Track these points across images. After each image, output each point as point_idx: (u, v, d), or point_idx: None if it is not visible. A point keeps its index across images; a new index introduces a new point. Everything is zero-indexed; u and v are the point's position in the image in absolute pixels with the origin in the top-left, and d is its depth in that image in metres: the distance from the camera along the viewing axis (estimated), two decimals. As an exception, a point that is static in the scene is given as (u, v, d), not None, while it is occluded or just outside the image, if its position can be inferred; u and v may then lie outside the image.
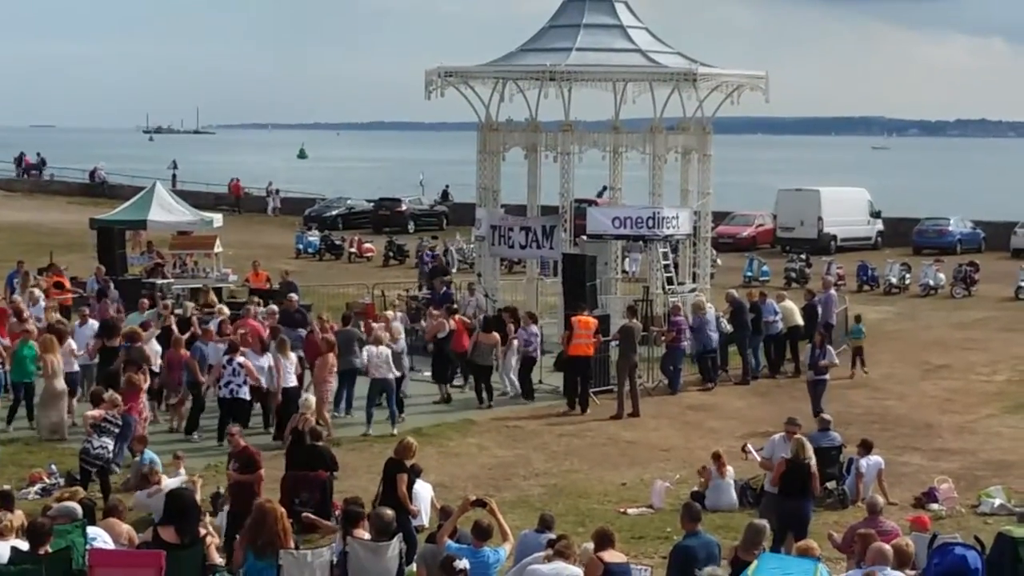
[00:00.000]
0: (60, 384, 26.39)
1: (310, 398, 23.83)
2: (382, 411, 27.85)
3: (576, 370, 30.10)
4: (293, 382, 26.56)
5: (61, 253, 47.25)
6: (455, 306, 33.27)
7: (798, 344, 34.24)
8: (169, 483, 20.28)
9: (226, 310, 31.76)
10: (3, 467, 24.01)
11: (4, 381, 28.21)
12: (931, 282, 49.99)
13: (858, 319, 35.66)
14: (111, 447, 22.32)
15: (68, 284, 38.07)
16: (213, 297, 35.28)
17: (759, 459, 21.62)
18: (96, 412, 22.46)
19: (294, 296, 33.43)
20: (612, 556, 15.29)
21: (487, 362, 30.57)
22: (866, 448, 23.20)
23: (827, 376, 28.95)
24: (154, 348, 27.96)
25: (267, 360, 26.62)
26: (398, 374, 28.08)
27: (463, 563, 14.75)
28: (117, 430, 22.60)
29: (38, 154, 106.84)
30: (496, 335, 30.74)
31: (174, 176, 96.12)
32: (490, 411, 29.67)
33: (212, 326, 29.53)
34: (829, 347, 29.43)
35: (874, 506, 18.38)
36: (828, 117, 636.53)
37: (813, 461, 19.83)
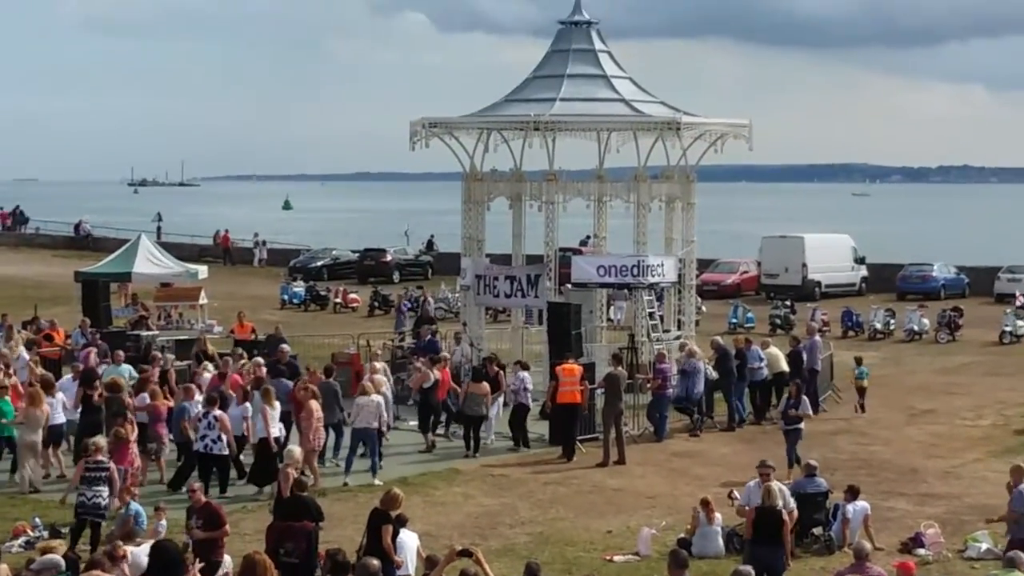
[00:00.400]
0: (34, 437, 26.32)
1: (295, 449, 23.69)
2: (362, 461, 27.81)
3: (563, 418, 30.12)
4: (277, 432, 26.42)
5: (46, 306, 47.23)
6: (441, 355, 33.22)
7: (784, 390, 34.29)
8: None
9: (210, 367, 31.73)
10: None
11: None
12: (915, 327, 50.11)
13: (859, 361, 35.95)
14: (105, 494, 22.25)
15: (60, 338, 37.95)
16: (211, 346, 35.21)
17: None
18: (79, 465, 22.50)
19: (285, 347, 33.42)
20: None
21: (478, 412, 30.51)
22: (853, 494, 23.22)
23: (801, 426, 28.57)
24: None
25: (244, 410, 26.60)
26: (382, 426, 28.04)
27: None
28: (106, 474, 22.49)
29: (17, 207, 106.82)
30: (487, 385, 30.68)
31: (159, 228, 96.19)
32: (475, 460, 29.65)
33: (204, 380, 29.60)
34: (804, 398, 29.17)
35: (861, 551, 18.38)
36: (811, 164, 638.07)
37: (788, 507, 19.90)
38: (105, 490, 22.26)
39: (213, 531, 19.25)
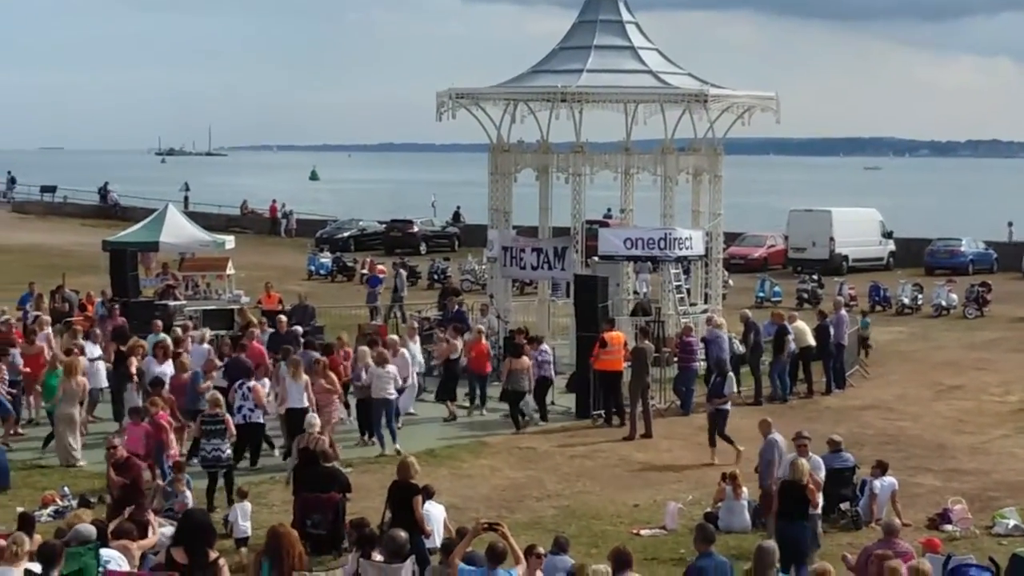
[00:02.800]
0: (70, 410, 26.34)
1: (314, 418, 23.69)
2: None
3: (608, 385, 30.20)
4: (302, 403, 26.32)
5: (74, 275, 47.28)
6: (477, 328, 33.15)
7: (810, 365, 34.24)
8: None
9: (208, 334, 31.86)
10: (16, 490, 24.05)
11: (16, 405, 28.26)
12: (943, 302, 49.92)
13: (864, 313, 35.94)
14: (224, 446, 23.26)
15: (92, 309, 38.06)
16: (251, 316, 35.20)
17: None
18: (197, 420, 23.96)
19: (283, 318, 33.46)
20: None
21: (523, 387, 30.43)
22: (881, 469, 23.16)
23: (728, 407, 27.93)
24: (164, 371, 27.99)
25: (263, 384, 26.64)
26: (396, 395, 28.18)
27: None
28: (223, 427, 23.38)
29: (9, 172, 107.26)
30: (527, 360, 30.53)
31: (186, 198, 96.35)
32: (502, 433, 29.61)
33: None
34: (730, 375, 28.78)
35: (891, 528, 18.26)
36: (838, 137, 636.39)
37: (814, 478, 19.94)
38: (224, 443, 23.35)
39: (136, 488, 20.02)
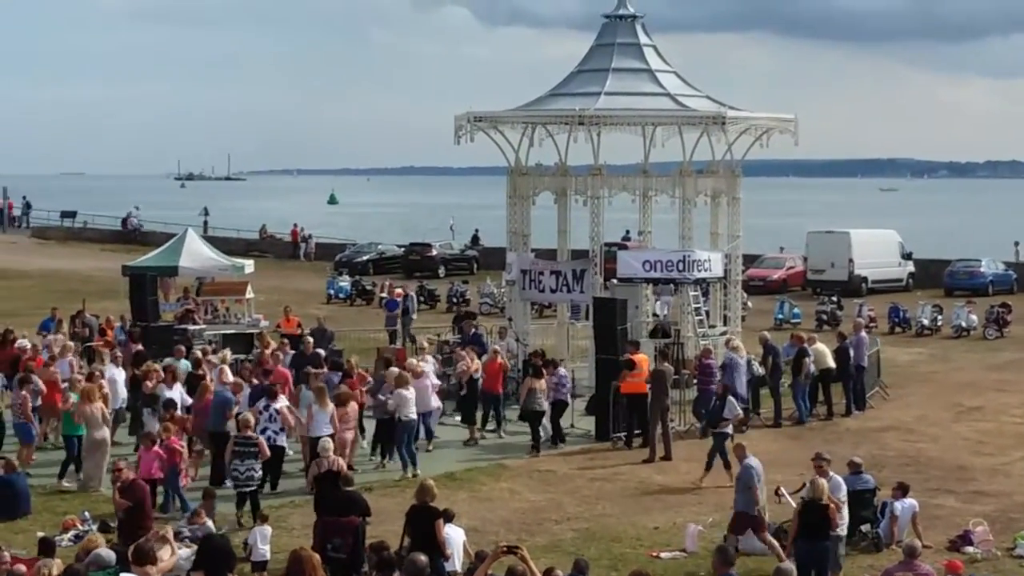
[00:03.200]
0: (101, 434, 26.34)
1: (327, 442, 23.71)
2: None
3: (634, 407, 30.21)
4: (326, 431, 26.31)
5: (94, 300, 47.43)
6: (493, 348, 33.20)
7: (830, 387, 34.20)
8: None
9: (228, 356, 31.89)
10: (37, 514, 24.11)
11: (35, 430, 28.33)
12: (963, 323, 49.82)
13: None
14: (257, 467, 23.87)
15: (111, 334, 38.16)
16: (269, 339, 35.22)
17: (794, 503, 21.55)
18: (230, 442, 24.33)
19: (310, 339, 33.59)
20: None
21: (540, 408, 30.43)
22: (902, 491, 23.11)
23: (729, 429, 27.74)
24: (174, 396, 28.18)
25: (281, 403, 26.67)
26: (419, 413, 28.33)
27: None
28: (255, 449, 23.83)
29: (24, 198, 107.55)
30: (544, 382, 30.52)
31: (205, 223, 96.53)
32: (521, 456, 29.60)
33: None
34: (731, 399, 28.49)
35: (912, 550, 18.21)
36: (857, 159, 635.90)
37: (834, 499, 19.91)
38: (256, 463, 23.85)
39: (141, 510, 20.14)
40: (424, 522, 18.74)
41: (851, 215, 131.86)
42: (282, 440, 26.03)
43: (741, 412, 29.19)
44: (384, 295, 48.14)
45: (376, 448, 28.90)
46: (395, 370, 29.09)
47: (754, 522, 21.78)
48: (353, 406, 27.19)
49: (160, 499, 24.18)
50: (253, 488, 23.95)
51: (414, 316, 47.01)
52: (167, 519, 23.13)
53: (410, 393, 27.88)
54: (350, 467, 24.47)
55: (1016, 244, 76.18)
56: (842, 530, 20.47)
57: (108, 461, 26.18)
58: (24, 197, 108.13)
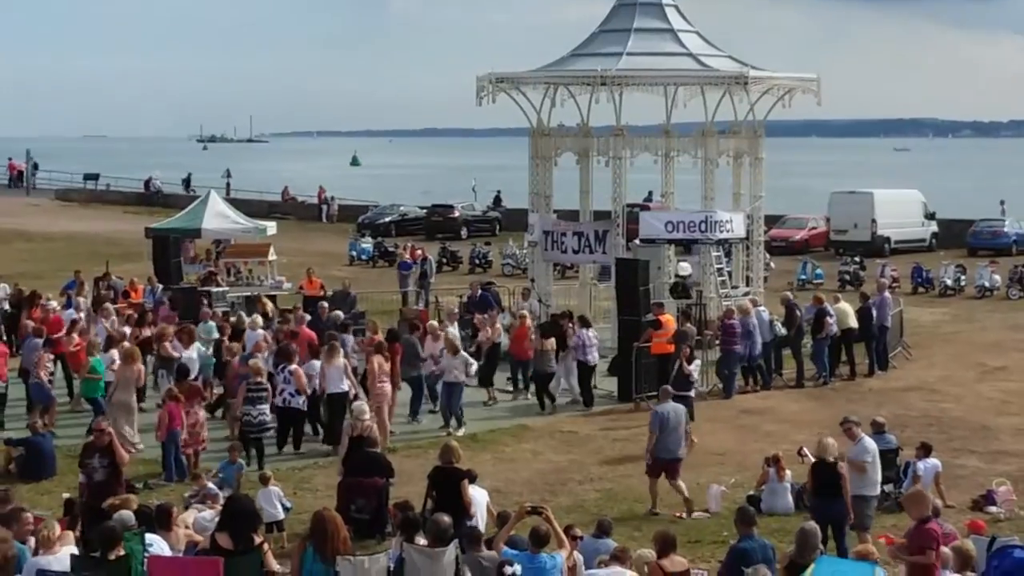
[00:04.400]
0: (126, 396, 26.42)
1: (363, 405, 23.78)
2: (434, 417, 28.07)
3: (660, 367, 30.01)
4: (342, 387, 26.48)
5: (117, 262, 47.56)
6: (520, 312, 33.29)
7: (852, 347, 34.16)
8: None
9: (259, 320, 31.92)
10: (63, 475, 24.19)
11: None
12: (986, 284, 49.66)
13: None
14: (267, 410, 25.14)
15: (139, 296, 38.26)
16: (269, 305, 35.26)
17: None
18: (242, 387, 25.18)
19: (324, 304, 33.63)
20: (673, 562, 15.32)
21: (549, 369, 30.52)
22: (925, 451, 23.12)
23: (691, 393, 27.70)
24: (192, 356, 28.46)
25: (310, 367, 26.72)
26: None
27: (515, 568, 14.78)
28: (266, 394, 24.98)
29: (29, 157, 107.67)
30: (553, 340, 30.67)
31: (228, 184, 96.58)
32: (544, 416, 29.68)
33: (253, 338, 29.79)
34: (697, 361, 28.66)
35: (935, 509, 18.18)
36: (880, 119, 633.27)
37: (856, 462, 19.90)
38: (266, 407, 25.12)
39: (117, 470, 19.94)
40: (449, 483, 18.77)
41: (871, 175, 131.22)
42: (297, 402, 26.10)
43: (695, 378, 28.63)
44: (420, 254, 48.15)
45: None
46: (445, 333, 29.93)
47: (657, 468, 22.75)
48: (381, 360, 27.23)
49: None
50: (261, 435, 25.04)
51: (432, 280, 46.97)
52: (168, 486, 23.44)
53: (460, 358, 28.48)
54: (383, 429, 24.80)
55: (1002, 203, 76.07)
56: (872, 490, 20.36)
57: (134, 423, 26.36)
58: (10, 158, 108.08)
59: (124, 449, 20.87)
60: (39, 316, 32.65)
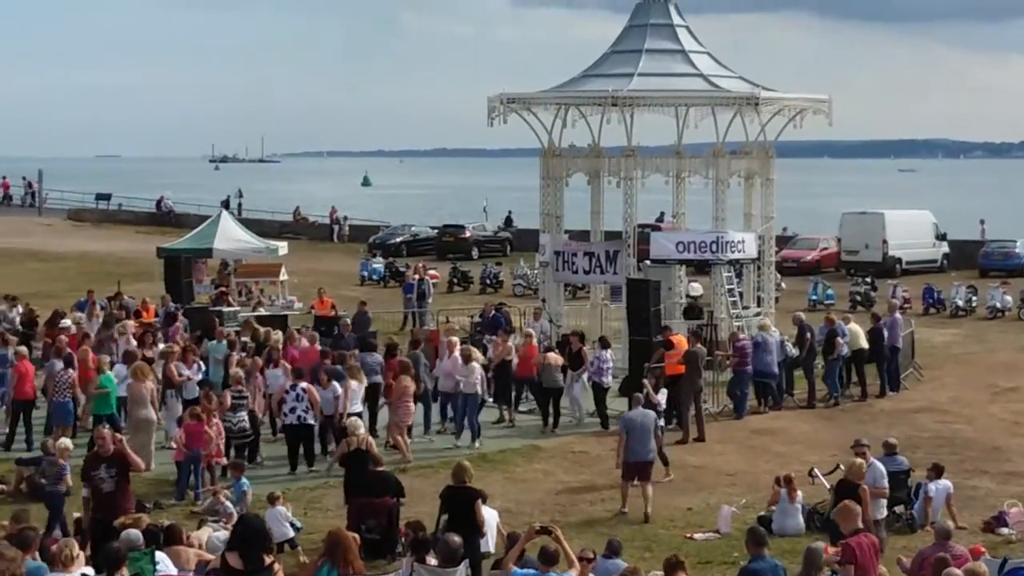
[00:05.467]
0: (146, 413, 26.46)
1: (357, 420, 23.77)
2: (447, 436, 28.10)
3: (673, 388, 29.53)
4: (359, 408, 26.59)
5: (129, 282, 47.62)
6: (526, 331, 33.34)
7: (863, 367, 34.12)
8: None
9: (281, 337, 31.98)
10: (74, 496, 24.12)
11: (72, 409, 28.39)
12: (998, 304, 49.61)
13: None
14: (246, 417, 26.10)
15: (150, 315, 38.36)
16: (261, 330, 35.14)
17: (827, 485, 21.53)
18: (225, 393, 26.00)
19: (348, 322, 33.70)
20: (684, 584, 15.31)
21: (555, 384, 30.54)
22: (937, 472, 23.06)
23: (661, 422, 26.23)
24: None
25: (334, 390, 26.82)
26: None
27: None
28: (245, 401, 25.91)
29: (24, 178, 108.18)
30: (559, 356, 30.74)
31: (240, 204, 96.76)
32: (555, 437, 29.65)
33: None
34: (664, 391, 27.89)
35: (945, 532, 18.14)
36: (891, 139, 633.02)
37: (877, 483, 19.89)
38: (245, 414, 26.09)
39: (125, 479, 19.56)
40: (462, 502, 18.76)
41: (882, 196, 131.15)
42: (310, 419, 26.23)
43: (664, 405, 27.61)
44: (416, 276, 48.17)
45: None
46: (459, 343, 30.17)
47: (628, 470, 23.91)
48: (409, 381, 27.41)
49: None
50: (247, 440, 26.24)
51: (430, 300, 46.91)
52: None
53: (480, 370, 28.72)
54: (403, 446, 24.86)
55: (982, 222, 76.15)
56: (881, 513, 20.39)
57: (155, 441, 26.44)
58: (24, 177, 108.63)
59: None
60: (54, 334, 32.71)
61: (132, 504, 19.83)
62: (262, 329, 34.09)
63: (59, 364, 28.73)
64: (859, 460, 19.90)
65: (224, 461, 24.99)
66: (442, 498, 19.16)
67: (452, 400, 29.37)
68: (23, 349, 29.81)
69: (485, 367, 30.96)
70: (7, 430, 28.57)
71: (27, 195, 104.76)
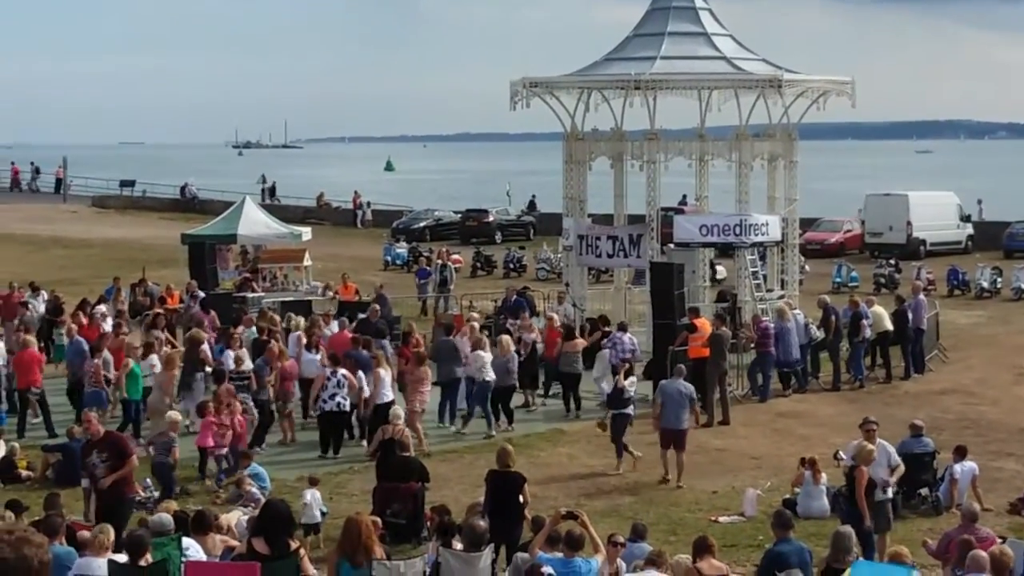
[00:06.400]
0: (163, 400, 26.59)
1: (398, 409, 23.95)
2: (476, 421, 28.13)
3: (695, 371, 29.18)
4: (389, 396, 26.58)
5: (153, 268, 47.76)
6: (550, 315, 33.36)
7: (888, 350, 34.07)
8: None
9: (303, 323, 32.07)
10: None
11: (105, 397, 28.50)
12: (1022, 286, 49.40)
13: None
14: (249, 399, 26.29)
15: (175, 302, 38.47)
16: (275, 317, 35.13)
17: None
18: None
19: (376, 307, 33.73)
20: (710, 567, 15.32)
21: (574, 370, 30.56)
22: (961, 454, 23.02)
23: (629, 410, 26.22)
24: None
25: (361, 380, 26.86)
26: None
27: (548, 569, 14.81)
28: (248, 382, 26.38)
29: (32, 163, 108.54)
30: (581, 341, 30.77)
31: (263, 190, 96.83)
32: (580, 421, 29.66)
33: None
34: (633, 377, 27.26)
35: (972, 514, 18.11)
36: (915, 121, 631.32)
37: (892, 463, 19.88)
38: (248, 395, 26.26)
39: (121, 466, 19.25)
40: (507, 487, 18.85)
41: (906, 178, 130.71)
42: (347, 406, 26.33)
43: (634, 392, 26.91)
44: (440, 261, 48.13)
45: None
46: (474, 329, 30.15)
47: (665, 439, 24.94)
48: (427, 369, 27.49)
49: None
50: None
51: (452, 287, 46.90)
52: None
53: (488, 355, 28.45)
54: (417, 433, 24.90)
55: (979, 202, 75.98)
56: (889, 492, 20.27)
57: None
58: (32, 162, 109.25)
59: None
60: (81, 322, 32.83)
61: (133, 490, 19.73)
62: (276, 317, 34.10)
63: (82, 348, 29.01)
64: (869, 446, 19.81)
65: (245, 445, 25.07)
66: (487, 482, 19.22)
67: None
68: (30, 338, 29.80)
69: (516, 352, 31.05)
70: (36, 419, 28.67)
71: (33, 180, 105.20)
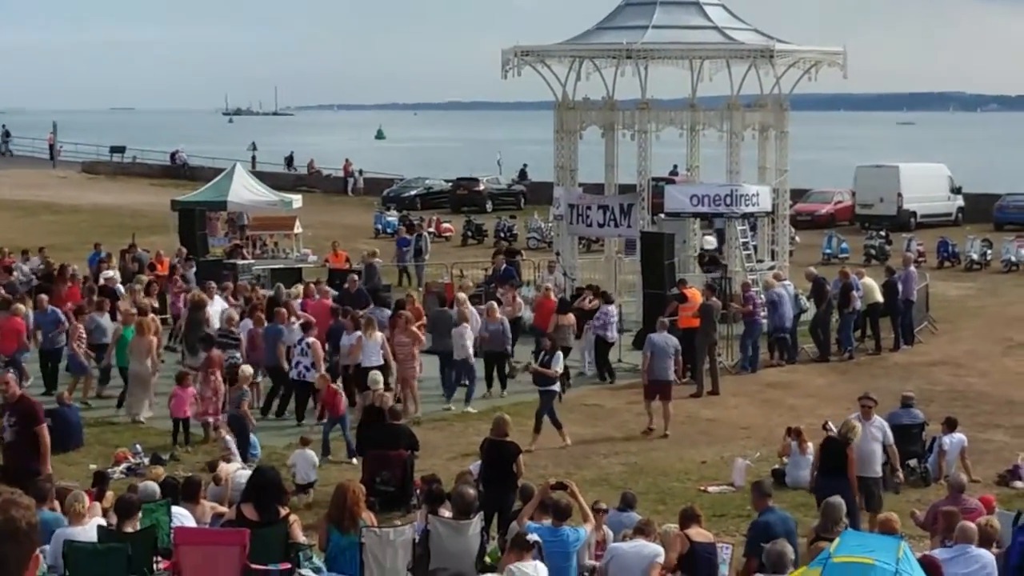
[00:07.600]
0: (142, 368, 26.60)
1: (377, 375, 23.89)
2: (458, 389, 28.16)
3: (688, 342, 29.31)
4: (379, 362, 26.47)
5: (143, 235, 47.67)
6: (545, 285, 33.34)
7: (878, 321, 34.10)
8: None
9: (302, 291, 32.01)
10: (89, 447, 24.35)
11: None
12: (1013, 258, 49.45)
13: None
14: (238, 355, 26.56)
15: (165, 268, 38.43)
16: (258, 292, 34.95)
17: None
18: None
19: (355, 276, 33.61)
20: (698, 534, 15.38)
21: (566, 343, 30.51)
22: (950, 426, 23.07)
23: (555, 387, 25.77)
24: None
25: (353, 339, 26.76)
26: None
27: (534, 536, 14.85)
28: (236, 341, 26.50)
29: (3, 125, 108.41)
30: (573, 316, 30.72)
31: (254, 158, 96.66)
32: (569, 390, 29.64)
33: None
34: (559, 353, 26.42)
35: (958, 485, 18.16)
36: (907, 92, 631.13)
37: (887, 441, 19.88)
38: (237, 353, 26.58)
39: (28, 430, 18.56)
40: (502, 456, 18.91)
41: (897, 149, 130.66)
42: (310, 376, 25.98)
43: (561, 368, 26.40)
44: (431, 230, 48.06)
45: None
46: (494, 304, 30.13)
47: (651, 390, 26.11)
48: (415, 334, 27.40)
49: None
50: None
51: (426, 256, 46.81)
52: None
53: (470, 332, 28.32)
54: (397, 399, 24.75)
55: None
56: (875, 471, 20.18)
57: (148, 394, 26.62)
58: (3, 125, 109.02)
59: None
60: (64, 288, 32.78)
61: (41, 464, 18.45)
62: (258, 292, 33.88)
63: (56, 315, 29.01)
64: (856, 423, 19.69)
65: (219, 419, 24.72)
66: (482, 450, 19.26)
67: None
68: (20, 306, 29.36)
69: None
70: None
71: (3, 143, 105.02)
